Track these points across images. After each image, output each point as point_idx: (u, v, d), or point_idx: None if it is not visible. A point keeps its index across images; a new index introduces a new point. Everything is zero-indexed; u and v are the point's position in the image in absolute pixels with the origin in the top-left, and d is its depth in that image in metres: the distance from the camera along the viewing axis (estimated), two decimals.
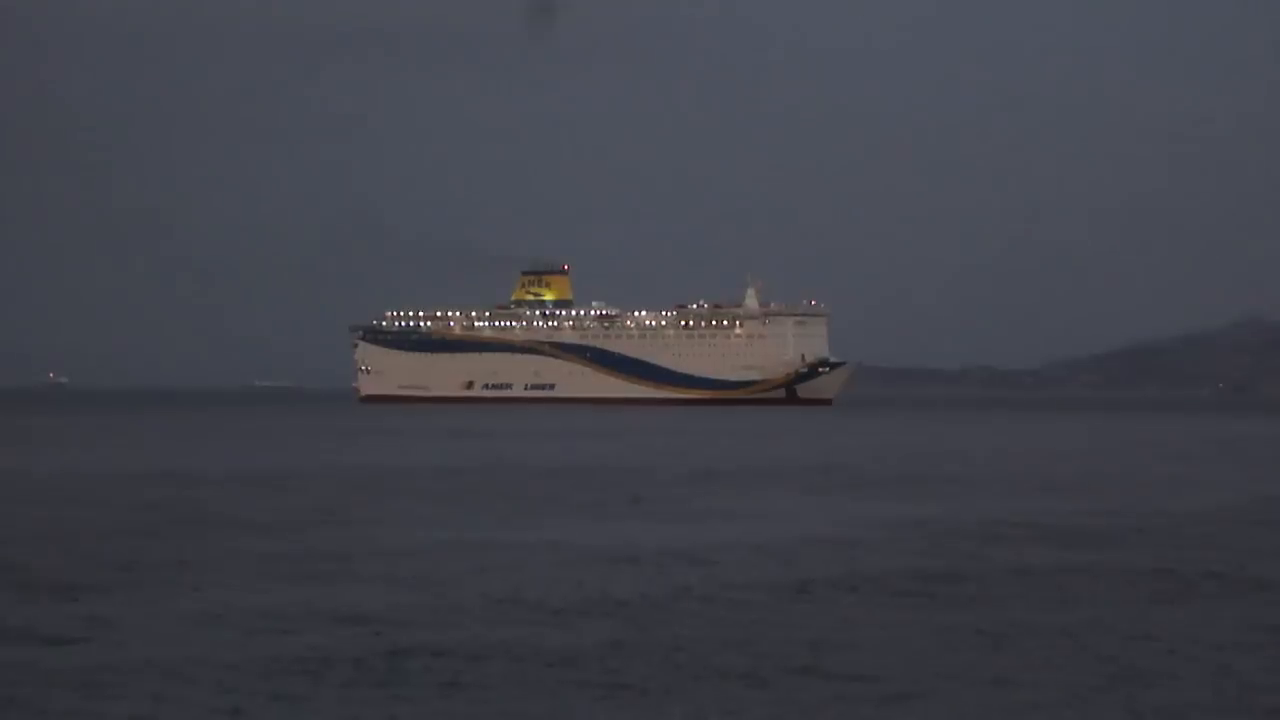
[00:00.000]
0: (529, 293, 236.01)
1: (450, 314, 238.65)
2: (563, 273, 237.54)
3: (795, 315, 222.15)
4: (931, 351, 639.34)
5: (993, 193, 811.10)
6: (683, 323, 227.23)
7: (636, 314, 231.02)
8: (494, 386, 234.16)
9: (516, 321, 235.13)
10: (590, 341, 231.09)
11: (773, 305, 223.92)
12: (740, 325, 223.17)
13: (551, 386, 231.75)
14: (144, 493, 56.32)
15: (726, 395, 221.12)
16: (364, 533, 42.91)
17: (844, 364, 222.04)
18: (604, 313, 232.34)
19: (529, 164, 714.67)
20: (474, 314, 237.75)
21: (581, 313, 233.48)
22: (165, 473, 67.97)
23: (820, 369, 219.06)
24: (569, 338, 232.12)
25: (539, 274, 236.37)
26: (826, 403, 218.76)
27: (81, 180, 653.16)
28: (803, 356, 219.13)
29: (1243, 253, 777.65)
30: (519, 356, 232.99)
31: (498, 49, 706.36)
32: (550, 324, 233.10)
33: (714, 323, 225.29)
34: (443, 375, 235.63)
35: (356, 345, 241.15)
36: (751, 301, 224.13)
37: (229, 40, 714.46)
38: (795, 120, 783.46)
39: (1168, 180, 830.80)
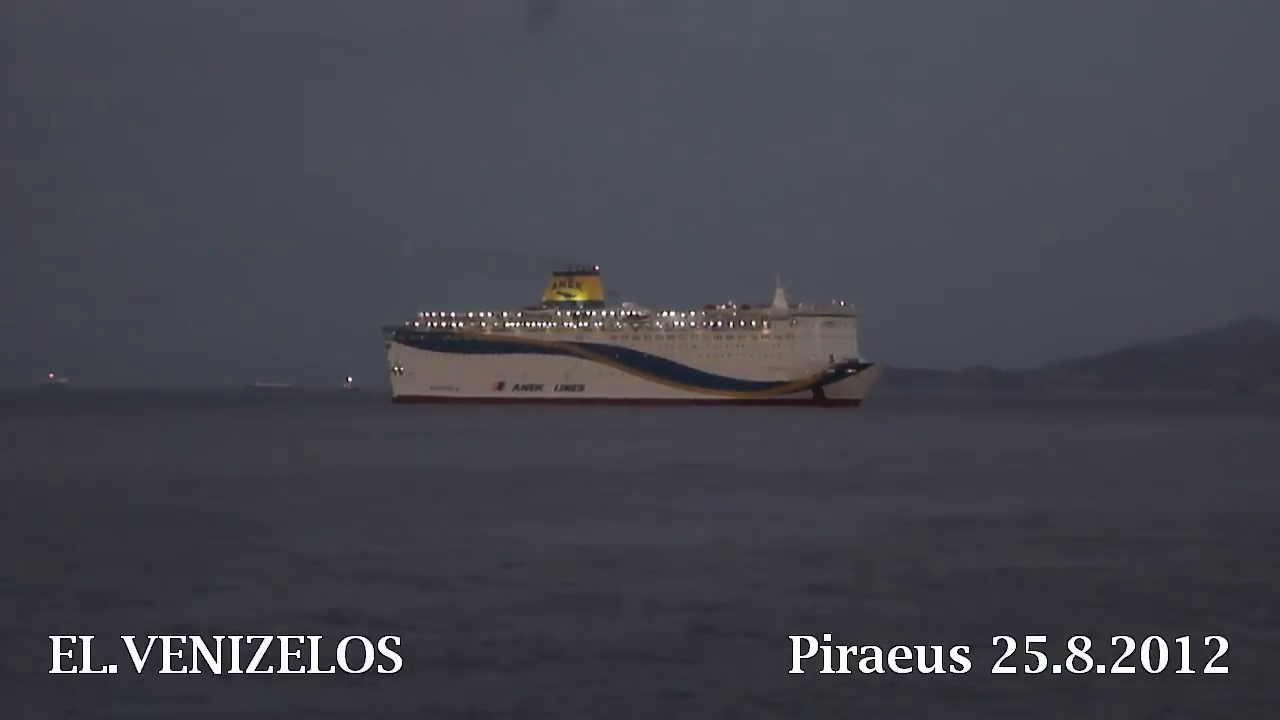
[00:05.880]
0: (560, 293, 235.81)
1: (481, 315, 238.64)
2: (593, 273, 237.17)
3: (823, 316, 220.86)
4: (932, 352, 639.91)
5: (993, 195, 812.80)
6: (711, 323, 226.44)
7: (665, 314, 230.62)
8: (524, 387, 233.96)
9: (547, 322, 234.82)
10: (619, 342, 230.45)
11: (800, 306, 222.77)
12: (768, 326, 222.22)
13: (581, 387, 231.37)
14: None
15: (754, 396, 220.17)
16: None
17: (872, 364, 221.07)
18: (633, 313, 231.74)
19: (558, 165, 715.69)
20: (505, 315, 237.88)
21: (611, 313, 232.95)
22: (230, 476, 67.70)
23: (848, 370, 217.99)
24: (598, 338, 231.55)
25: (570, 274, 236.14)
26: (854, 403, 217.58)
27: (81, 181, 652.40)
28: (830, 357, 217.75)
29: (1243, 253, 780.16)
30: (549, 357, 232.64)
31: (520, 50, 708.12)
32: (580, 325, 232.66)
33: (742, 323, 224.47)
34: (474, 376, 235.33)
35: (389, 346, 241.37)
36: (780, 302, 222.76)
37: (243, 40, 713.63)
38: (811, 123, 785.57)
39: (1168, 182, 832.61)
